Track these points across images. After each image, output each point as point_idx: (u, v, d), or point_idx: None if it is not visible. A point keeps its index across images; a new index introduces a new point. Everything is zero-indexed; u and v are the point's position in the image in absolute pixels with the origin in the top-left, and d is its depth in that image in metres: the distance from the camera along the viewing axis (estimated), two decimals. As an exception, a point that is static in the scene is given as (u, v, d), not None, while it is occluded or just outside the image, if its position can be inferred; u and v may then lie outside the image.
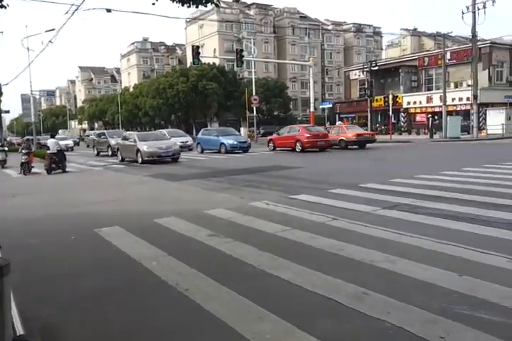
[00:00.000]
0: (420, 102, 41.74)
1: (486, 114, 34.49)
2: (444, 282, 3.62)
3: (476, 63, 30.73)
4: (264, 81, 55.40)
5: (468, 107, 34.76)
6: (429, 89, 42.81)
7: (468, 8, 29.03)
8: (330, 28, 77.33)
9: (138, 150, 18.20)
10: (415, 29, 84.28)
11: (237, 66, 31.31)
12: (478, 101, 30.57)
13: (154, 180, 12.51)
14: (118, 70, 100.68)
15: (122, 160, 19.80)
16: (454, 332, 2.81)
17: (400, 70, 43.91)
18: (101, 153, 25.72)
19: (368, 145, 23.67)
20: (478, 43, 32.28)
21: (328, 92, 75.22)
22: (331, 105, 46.40)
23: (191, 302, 3.47)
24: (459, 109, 37.53)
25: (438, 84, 39.36)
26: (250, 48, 48.68)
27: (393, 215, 6.22)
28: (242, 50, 29.58)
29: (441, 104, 33.22)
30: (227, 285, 3.76)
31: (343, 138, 23.35)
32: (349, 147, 23.07)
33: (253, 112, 39.99)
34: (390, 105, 33.97)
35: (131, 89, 69.27)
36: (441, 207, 6.56)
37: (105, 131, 28.50)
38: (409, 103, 42.56)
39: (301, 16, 73.80)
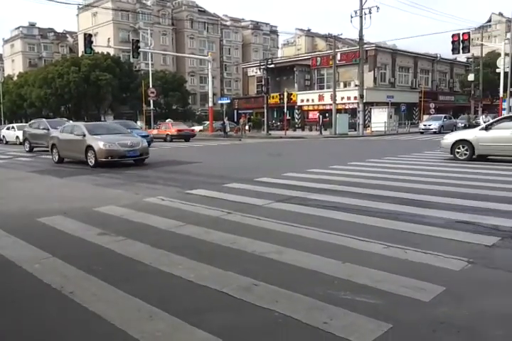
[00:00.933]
0: (313, 100, 43.89)
1: (370, 112, 37.36)
2: (328, 270, 3.83)
3: (362, 65, 33.01)
4: (162, 74, 54.16)
5: (355, 106, 37.30)
6: (321, 87, 45.21)
7: (356, 12, 31.07)
8: (228, 23, 77.92)
9: (89, 148, 13.11)
10: (309, 30, 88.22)
11: (133, 57, 30.23)
12: (364, 100, 32.94)
13: (39, 176, 11.62)
14: (0, 57, 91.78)
15: (60, 161, 14.71)
16: (336, 316, 2.98)
17: (295, 69, 45.71)
18: (35, 149, 20.41)
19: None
20: (364, 46, 34.74)
21: (227, 88, 75.85)
22: (229, 101, 46.75)
23: (76, 305, 3.27)
24: (347, 107, 40.18)
25: (329, 84, 41.68)
26: (147, 39, 47.36)
27: (285, 208, 6.46)
28: (138, 41, 28.71)
29: (331, 102, 35.20)
30: (117, 285, 3.62)
31: (169, 133, 28.00)
32: (174, 140, 27.68)
33: (150, 105, 38.95)
34: (285, 102, 35.24)
35: (15, 78, 63.57)
36: (329, 199, 6.96)
37: (45, 119, 22.36)
38: (302, 101, 44.51)
39: (199, 10, 73.34)
